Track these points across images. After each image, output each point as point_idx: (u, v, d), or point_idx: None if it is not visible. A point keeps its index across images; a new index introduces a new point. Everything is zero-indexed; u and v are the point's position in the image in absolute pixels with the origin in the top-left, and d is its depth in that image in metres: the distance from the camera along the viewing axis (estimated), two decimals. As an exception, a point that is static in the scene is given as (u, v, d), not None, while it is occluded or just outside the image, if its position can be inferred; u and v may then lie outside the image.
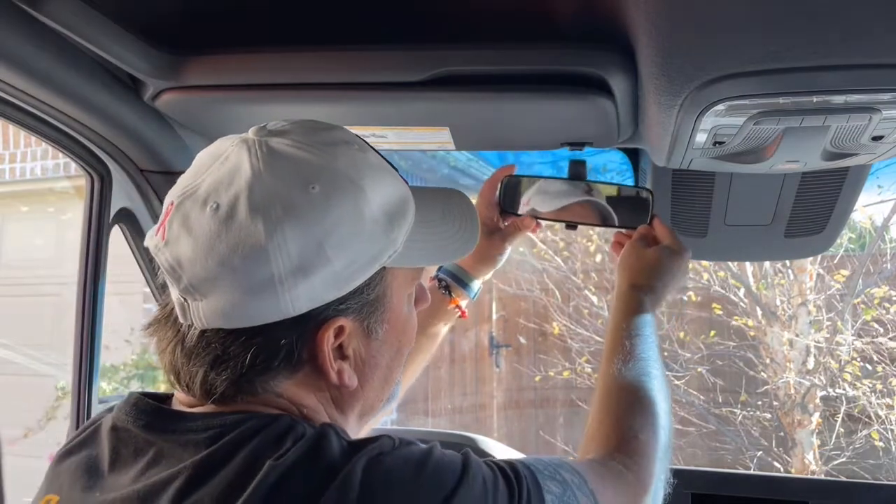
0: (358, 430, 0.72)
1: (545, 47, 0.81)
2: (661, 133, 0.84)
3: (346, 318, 0.63)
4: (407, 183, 0.70)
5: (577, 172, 1.06)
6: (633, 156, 1.20)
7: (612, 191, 1.08)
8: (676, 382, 4.70)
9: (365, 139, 0.68)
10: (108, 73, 0.90)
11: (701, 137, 0.81)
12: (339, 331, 0.63)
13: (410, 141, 1.05)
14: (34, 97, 0.87)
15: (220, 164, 0.61)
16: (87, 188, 1.12)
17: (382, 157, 0.68)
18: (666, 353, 4.78)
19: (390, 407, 0.76)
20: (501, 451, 1.51)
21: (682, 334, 4.74)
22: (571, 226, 1.11)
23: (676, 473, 1.40)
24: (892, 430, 4.10)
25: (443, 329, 1.10)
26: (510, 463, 0.65)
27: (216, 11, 0.85)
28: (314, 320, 0.61)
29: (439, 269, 1.10)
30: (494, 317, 5.69)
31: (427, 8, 0.82)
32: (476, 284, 1.09)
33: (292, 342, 0.61)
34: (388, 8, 0.82)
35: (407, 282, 0.71)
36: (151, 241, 0.63)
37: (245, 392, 0.61)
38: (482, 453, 1.47)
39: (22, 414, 3.92)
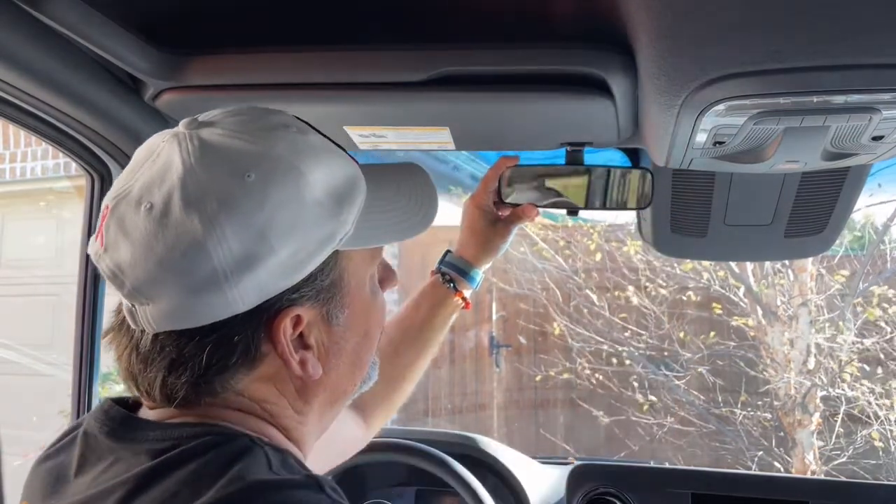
0: (329, 417, 0.71)
1: (545, 47, 0.81)
2: (661, 133, 0.84)
3: (302, 306, 0.61)
4: (356, 162, 0.68)
5: (575, 158, 1.06)
6: (633, 156, 1.20)
7: (612, 173, 1.08)
8: (677, 382, 4.71)
9: (306, 121, 0.66)
10: (108, 73, 0.91)
11: (701, 137, 0.81)
12: (297, 320, 0.61)
13: (410, 141, 1.05)
14: (34, 97, 0.87)
15: (151, 162, 0.60)
16: (87, 188, 1.12)
17: (327, 137, 0.66)
18: (666, 353, 4.78)
19: (367, 387, 0.75)
20: (501, 451, 1.51)
21: (682, 334, 4.74)
22: (573, 211, 1.11)
23: (676, 473, 1.40)
24: (892, 430, 4.10)
25: (449, 320, 1.10)
26: None
27: (216, 11, 0.85)
28: (267, 312, 0.60)
29: (441, 262, 1.10)
30: (494, 317, 5.69)
31: (427, 8, 0.82)
32: (479, 274, 1.10)
33: (248, 337, 0.59)
34: (389, 8, 0.82)
35: (365, 263, 0.69)
36: (92, 247, 0.61)
37: (206, 394, 0.60)
38: (482, 453, 1.47)
39: (21, 414, 3.93)
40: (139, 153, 0.62)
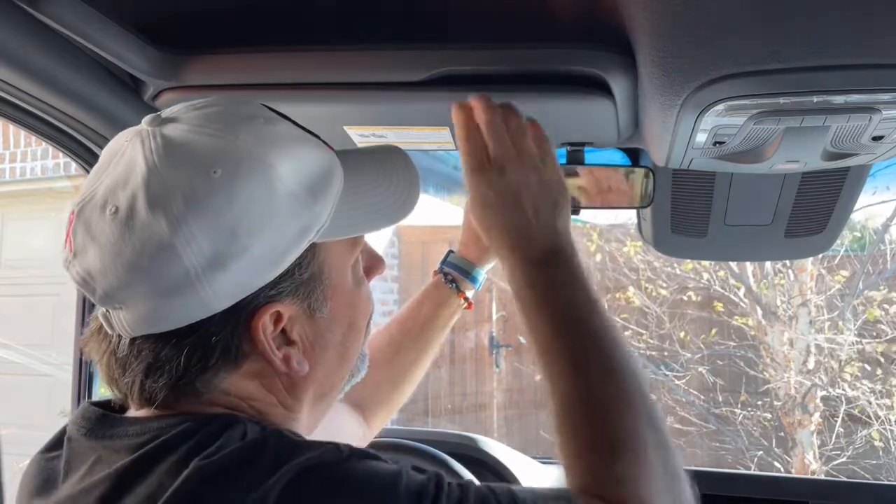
0: (319, 412, 0.69)
1: (545, 47, 0.81)
2: (661, 133, 0.84)
3: (282, 302, 0.60)
4: (332, 149, 0.66)
5: (575, 158, 1.06)
6: (633, 156, 1.20)
7: (612, 172, 1.07)
8: (677, 382, 4.71)
9: (277, 110, 0.64)
10: (108, 72, 0.90)
11: (701, 137, 0.81)
12: (278, 317, 0.60)
13: (410, 141, 1.05)
14: (34, 97, 0.87)
15: (116, 163, 0.58)
16: (87, 188, 1.12)
17: (298, 125, 0.64)
18: (666, 353, 4.78)
19: (358, 379, 0.73)
20: (501, 451, 1.51)
21: (682, 334, 4.74)
22: (574, 210, 1.10)
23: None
24: (892, 430, 4.10)
25: (451, 321, 1.10)
26: (510, 493, 0.57)
27: (216, 11, 0.85)
28: (245, 310, 0.58)
29: (444, 262, 1.10)
30: (494, 317, 5.69)
31: (427, 8, 0.82)
32: (481, 274, 1.09)
33: (227, 337, 0.58)
34: (388, 8, 0.82)
35: (346, 253, 0.67)
36: (62, 254, 0.60)
37: (187, 395, 0.59)
38: (482, 454, 1.47)
39: (21, 414, 3.93)
40: (104, 154, 0.61)
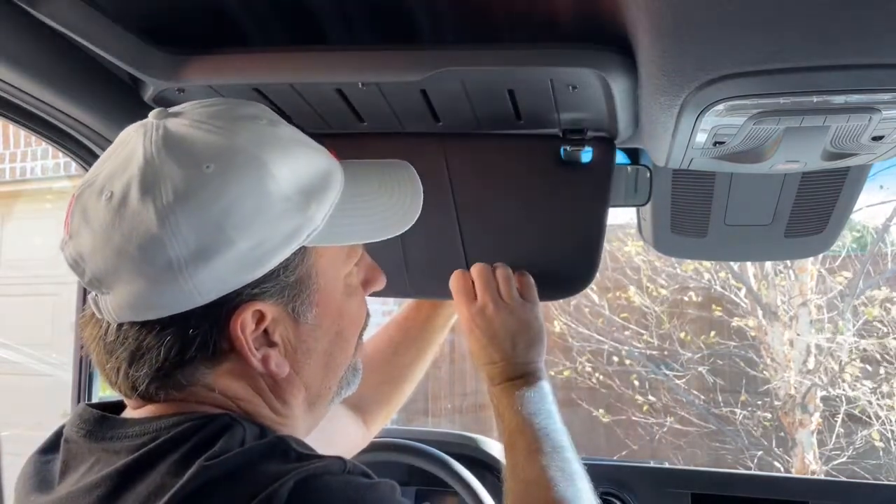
0: (311, 419, 0.69)
1: (545, 47, 0.80)
2: (661, 133, 0.84)
3: (265, 302, 0.60)
4: (335, 156, 0.66)
5: (574, 156, 1.06)
6: (633, 155, 1.20)
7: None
8: (677, 382, 4.71)
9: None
10: (108, 72, 0.90)
11: (701, 137, 0.81)
12: (260, 316, 0.60)
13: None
14: (34, 97, 0.87)
15: (119, 152, 0.59)
16: (88, 188, 1.12)
17: (303, 130, 0.65)
18: (666, 353, 4.78)
19: (349, 392, 0.73)
20: (501, 451, 1.50)
21: (682, 334, 4.74)
22: None
23: (676, 473, 1.40)
24: (892, 430, 4.10)
25: (450, 321, 1.10)
26: None
27: (217, 11, 0.84)
28: (226, 306, 0.58)
29: None
30: (495, 316, 5.68)
31: (427, 8, 0.81)
32: None
33: (206, 331, 0.58)
34: (388, 8, 0.82)
35: (339, 262, 0.67)
36: (60, 237, 0.61)
37: (170, 387, 0.59)
38: (482, 453, 1.47)
39: (21, 414, 3.93)
40: (113, 144, 0.62)
